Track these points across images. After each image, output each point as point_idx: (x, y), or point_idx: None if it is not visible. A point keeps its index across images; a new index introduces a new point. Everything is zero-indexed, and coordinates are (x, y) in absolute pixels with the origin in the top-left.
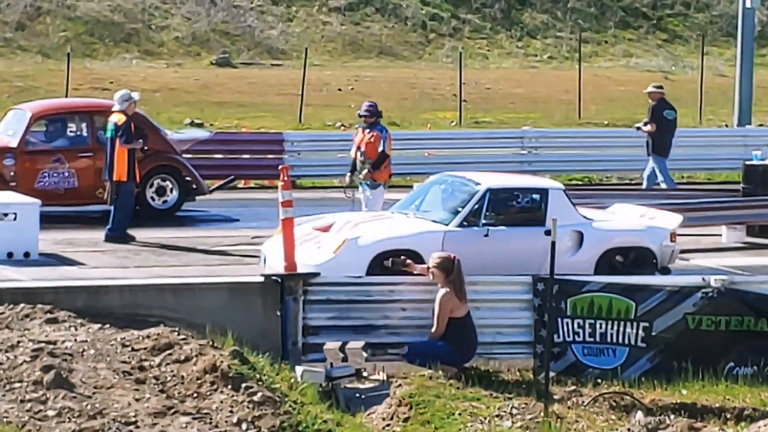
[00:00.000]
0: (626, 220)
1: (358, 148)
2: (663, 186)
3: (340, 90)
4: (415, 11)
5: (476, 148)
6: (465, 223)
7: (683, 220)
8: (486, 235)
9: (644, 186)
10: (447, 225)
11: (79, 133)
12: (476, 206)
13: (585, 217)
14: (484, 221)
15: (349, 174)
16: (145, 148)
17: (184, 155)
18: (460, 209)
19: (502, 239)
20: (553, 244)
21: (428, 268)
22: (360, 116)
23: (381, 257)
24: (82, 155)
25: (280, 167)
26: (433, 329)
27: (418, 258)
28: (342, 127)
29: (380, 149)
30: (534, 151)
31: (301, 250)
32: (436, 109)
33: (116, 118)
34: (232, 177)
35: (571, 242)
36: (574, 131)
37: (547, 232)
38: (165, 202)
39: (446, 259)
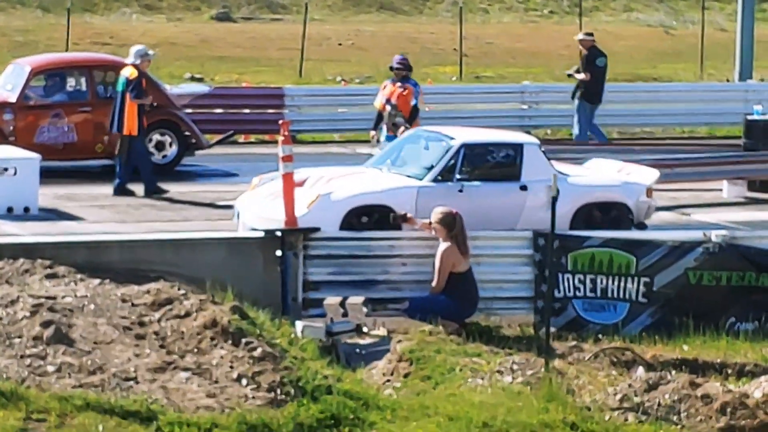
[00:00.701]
0: (602, 176)
1: (388, 100)
2: (575, 132)
3: (340, 44)
4: None
5: (477, 103)
6: (439, 178)
7: (660, 176)
8: (460, 191)
9: (595, 137)
10: (421, 180)
11: (78, 87)
12: (450, 161)
13: (560, 172)
14: (458, 176)
15: (374, 132)
16: (155, 104)
17: (183, 110)
18: (434, 164)
19: (477, 194)
20: (554, 199)
21: (430, 223)
22: (391, 69)
23: (354, 212)
24: (81, 110)
25: (280, 122)
26: (434, 284)
27: (392, 213)
28: (342, 82)
29: (413, 103)
30: (534, 106)
31: (274, 205)
32: (436, 64)
33: (128, 72)
34: (232, 132)
35: (547, 197)
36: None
37: (522, 187)
38: (164, 156)
39: (448, 214)
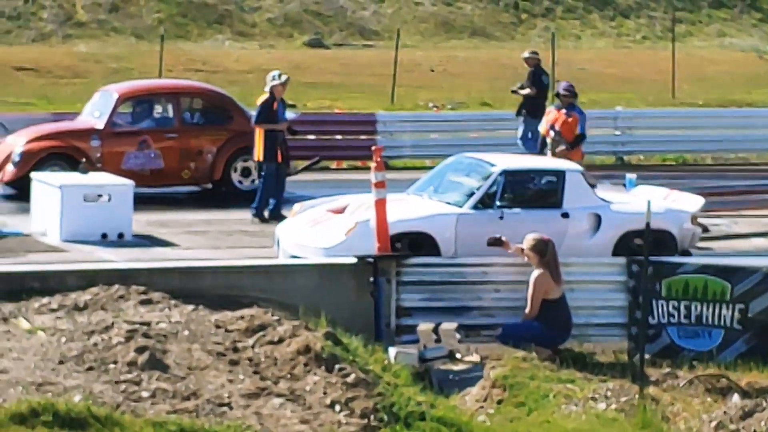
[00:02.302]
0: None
1: (552, 126)
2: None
3: (432, 70)
4: None
5: None
6: (479, 206)
7: (705, 203)
8: (501, 218)
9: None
10: (461, 207)
11: (165, 114)
12: (491, 188)
13: (603, 199)
14: (499, 203)
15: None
16: (293, 128)
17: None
18: (474, 191)
19: (518, 222)
20: (648, 225)
21: (522, 249)
22: (557, 96)
23: (393, 240)
24: (168, 136)
25: (372, 148)
26: (527, 310)
27: (431, 240)
28: (434, 108)
29: (579, 131)
30: (627, 132)
31: (313, 232)
32: None
33: (260, 99)
34: (318, 158)
35: (589, 225)
36: (668, 111)
37: (564, 215)
38: (253, 182)
39: (540, 241)
